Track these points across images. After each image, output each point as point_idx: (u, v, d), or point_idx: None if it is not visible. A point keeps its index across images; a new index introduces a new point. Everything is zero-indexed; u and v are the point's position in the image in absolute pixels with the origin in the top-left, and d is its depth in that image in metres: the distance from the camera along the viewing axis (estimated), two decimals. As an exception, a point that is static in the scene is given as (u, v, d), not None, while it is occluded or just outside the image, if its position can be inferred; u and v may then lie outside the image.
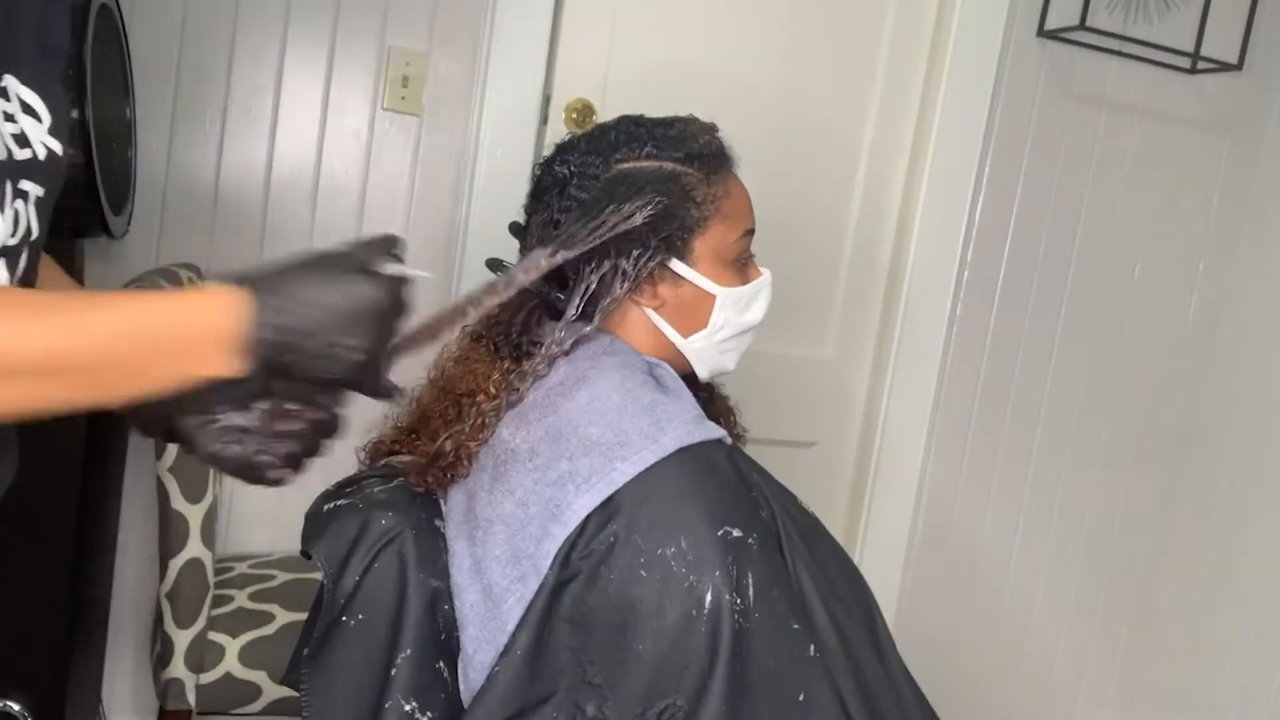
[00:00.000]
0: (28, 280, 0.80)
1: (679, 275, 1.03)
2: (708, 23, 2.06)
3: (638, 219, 0.93)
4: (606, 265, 0.99)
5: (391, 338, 0.72)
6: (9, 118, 0.76)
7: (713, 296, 1.04)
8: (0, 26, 0.75)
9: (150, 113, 1.80)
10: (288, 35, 1.85)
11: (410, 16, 1.89)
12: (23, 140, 0.77)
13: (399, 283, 0.71)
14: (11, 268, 0.78)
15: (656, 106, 1.11)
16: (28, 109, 0.78)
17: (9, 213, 0.76)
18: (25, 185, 0.77)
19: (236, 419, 0.74)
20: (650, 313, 1.04)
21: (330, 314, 0.69)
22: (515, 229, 1.10)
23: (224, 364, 0.67)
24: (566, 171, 1.02)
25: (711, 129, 1.07)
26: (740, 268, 1.07)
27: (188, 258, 1.81)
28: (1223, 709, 2.30)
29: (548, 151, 1.07)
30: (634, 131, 1.03)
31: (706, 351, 1.06)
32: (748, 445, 1.14)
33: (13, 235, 0.77)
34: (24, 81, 0.78)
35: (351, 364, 0.70)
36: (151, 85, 1.79)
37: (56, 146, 0.81)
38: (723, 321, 1.05)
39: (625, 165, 1.01)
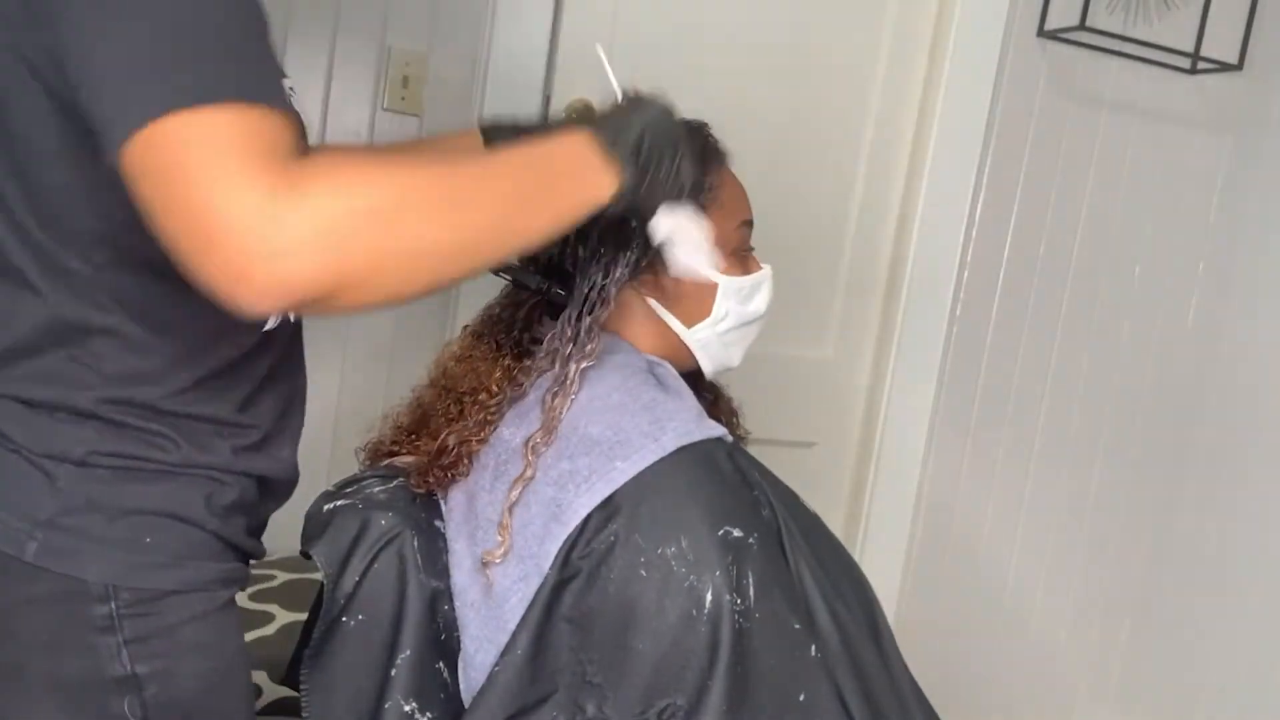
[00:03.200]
0: None
1: None
2: (708, 24, 2.06)
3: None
4: (608, 256, 0.99)
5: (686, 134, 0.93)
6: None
7: (714, 285, 1.04)
8: None
9: (150, 113, 1.80)
10: (288, 35, 1.85)
11: (410, 16, 1.89)
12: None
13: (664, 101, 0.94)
14: None
15: (657, 106, 1.10)
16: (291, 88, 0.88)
17: None
18: None
19: None
20: (653, 303, 1.04)
21: (649, 123, 0.88)
22: None
23: (607, 178, 0.84)
24: None
25: (703, 126, 1.07)
26: (741, 259, 1.07)
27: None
28: (1223, 708, 2.30)
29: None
30: None
31: (711, 343, 1.06)
32: (748, 445, 1.14)
33: None
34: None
35: (685, 150, 0.91)
36: (151, 85, 1.79)
37: None
38: (725, 311, 1.05)
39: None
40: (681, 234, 0.95)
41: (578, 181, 0.83)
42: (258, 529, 0.92)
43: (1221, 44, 2.16)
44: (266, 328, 0.84)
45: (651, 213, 0.92)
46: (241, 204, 0.62)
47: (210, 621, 0.83)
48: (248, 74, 0.68)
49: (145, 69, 0.64)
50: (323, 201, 0.64)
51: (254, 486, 0.87)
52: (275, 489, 0.91)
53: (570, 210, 0.82)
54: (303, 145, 0.70)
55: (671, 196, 0.91)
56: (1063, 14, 2.15)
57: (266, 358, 0.86)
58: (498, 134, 1.08)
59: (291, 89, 0.81)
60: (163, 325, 0.79)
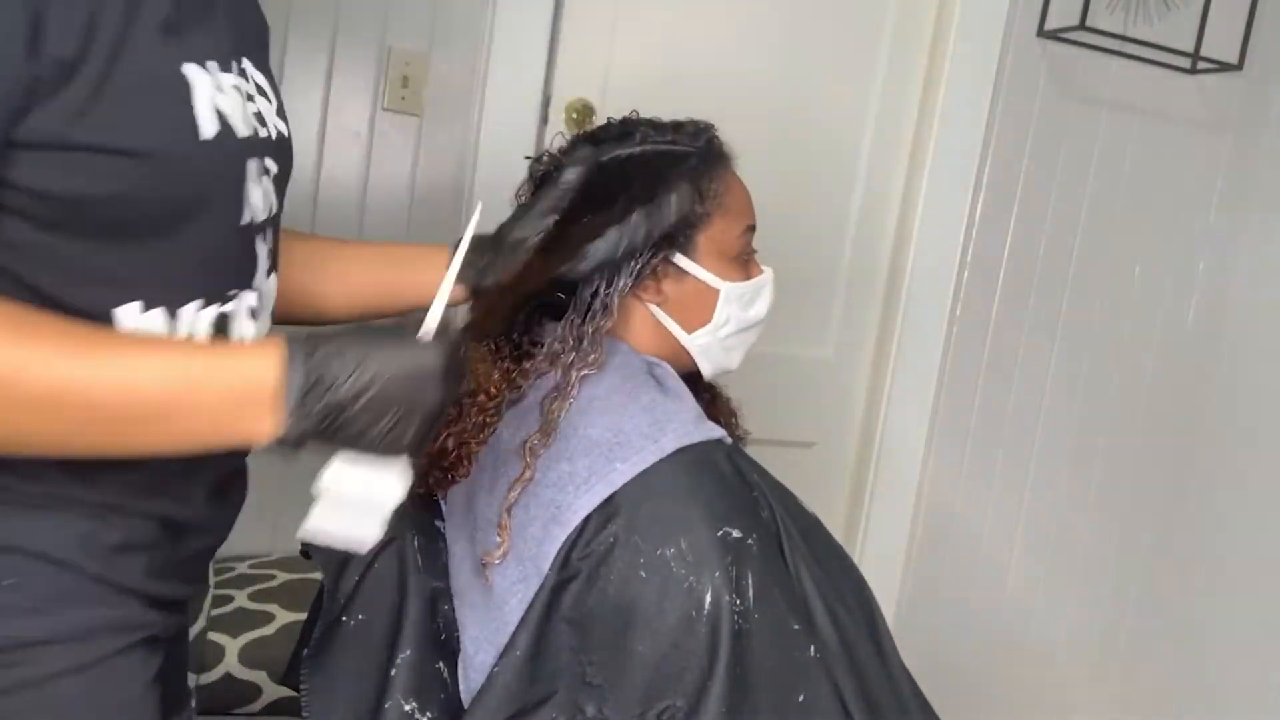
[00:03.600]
0: (276, 253, 0.85)
1: (683, 270, 1.03)
2: (708, 23, 2.06)
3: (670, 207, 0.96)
4: (611, 264, 0.99)
5: (443, 401, 0.71)
6: (250, 97, 0.79)
7: (716, 291, 1.04)
8: (236, 16, 0.81)
9: (150, 113, 1.80)
10: (288, 35, 1.85)
11: (410, 16, 1.89)
12: (261, 119, 0.80)
13: (451, 347, 0.71)
14: (264, 241, 0.82)
15: (657, 106, 1.11)
16: (261, 91, 0.82)
17: (262, 188, 0.80)
18: (269, 163, 0.81)
19: None
20: (654, 309, 1.04)
21: (384, 380, 0.68)
22: None
23: (267, 425, 0.67)
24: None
25: (709, 127, 1.07)
26: (743, 264, 1.07)
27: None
28: (1223, 709, 2.30)
29: (556, 140, 1.07)
30: (632, 132, 1.04)
31: (711, 348, 1.06)
32: (748, 446, 1.14)
33: (264, 211, 0.81)
34: (256, 65, 0.83)
35: (400, 435, 0.70)
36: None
37: (284, 128, 0.86)
38: (727, 317, 1.05)
39: (623, 153, 1.01)
40: (343, 488, 0.75)
41: (223, 422, 0.67)
42: (177, 568, 0.80)
43: (1221, 44, 2.16)
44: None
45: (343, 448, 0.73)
46: None
47: (95, 674, 0.73)
48: None
49: None
50: None
51: (154, 527, 0.77)
52: (188, 530, 0.80)
53: (204, 445, 0.68)
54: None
55: (376, 452, 0.72)
56: (1063, 14, 2.15)
57: None
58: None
59: (252, 99, 0.78)
60: None
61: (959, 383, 2.28)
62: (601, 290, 0.99)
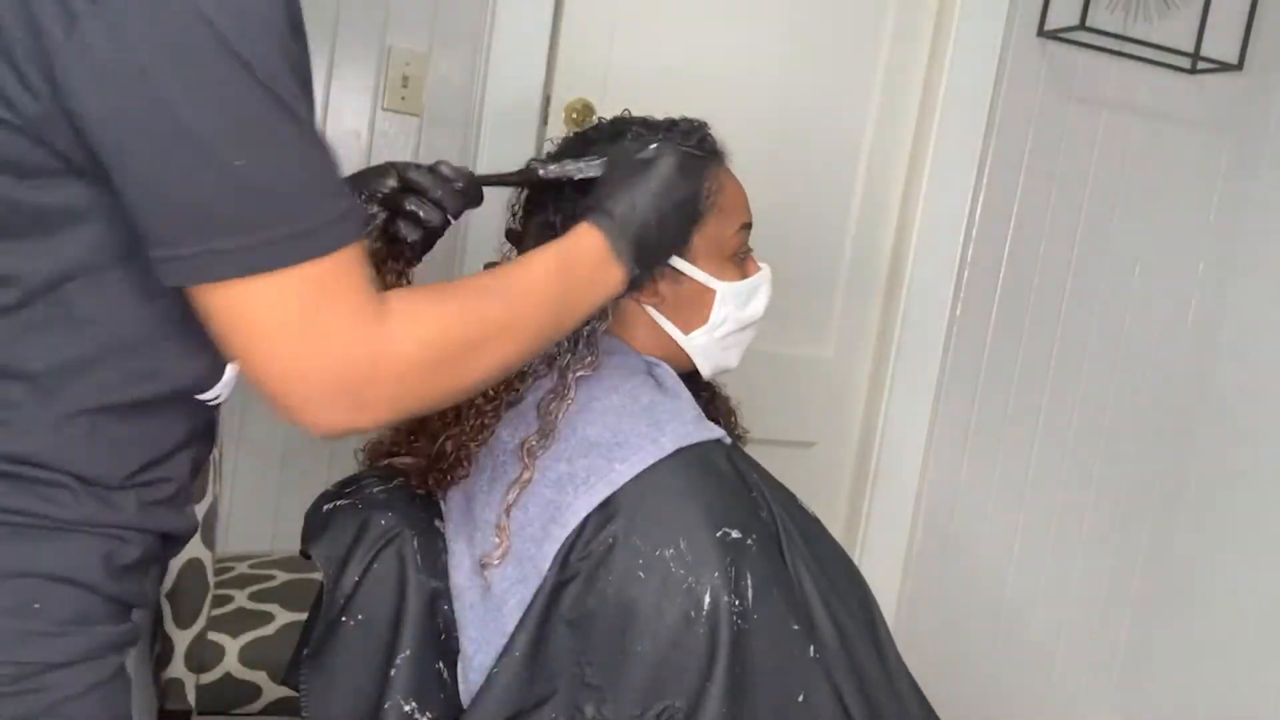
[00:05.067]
0: None
1: (679, 271, 1.03)
2: (708, 23, 2.06)
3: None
4: None
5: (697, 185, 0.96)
6: None
7: (713, 291, 1.04)
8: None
9: (150, 113, 1.80)
10: (288, 35, 1.85)
11: (410, 16, 1.89)
12: None
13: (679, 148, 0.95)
14: None
15: (657, 106, 1.11)
16: None
17: None
18: None
19: None
20: (650, 310, 1.04)
21: (651, 201, 0.91)
22: (512, 235, 1.10)
23: (618, 274, 0.89)
24: None
25: (702, 126, 1.07)
26: (739, 262, 1.07)
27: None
28: (1223, 709, 2.30)
29: (546, 147, 1.07)
30: (623, 130, 1.03)
31: (709, 348, 1.06)
32: (748, 445, 1.14)
33: None
34: None
35: (686, 219, 0.95)
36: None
37: None
38: (723, 317, 1.05)
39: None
40: None
41: (598, 286, 0.88)
42: (157, 579, 0.85)
43: (1221, 44, 2.16)
44: (213, 400, 0.79)
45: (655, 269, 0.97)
46: (343, 353, 0.68)
47: (97, 696, 0.74)
48: (340, 208, 0.69)
49: (226, 220, 0.65)
50: (407, 348, 0.71)
51: (158, 543, 0.79)
52: (175, 545, 0.83)
53: (592, 309, 0.89)
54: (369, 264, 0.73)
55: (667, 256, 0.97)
56: (1063, 14, 2.15)
57: (195, 414, 0.80)
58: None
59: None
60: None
61: (959, 383, 2.27)
62: None
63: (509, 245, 1.09)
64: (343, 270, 0.68)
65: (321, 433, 0.71)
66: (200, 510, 1.58)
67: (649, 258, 0.92)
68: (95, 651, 0.74)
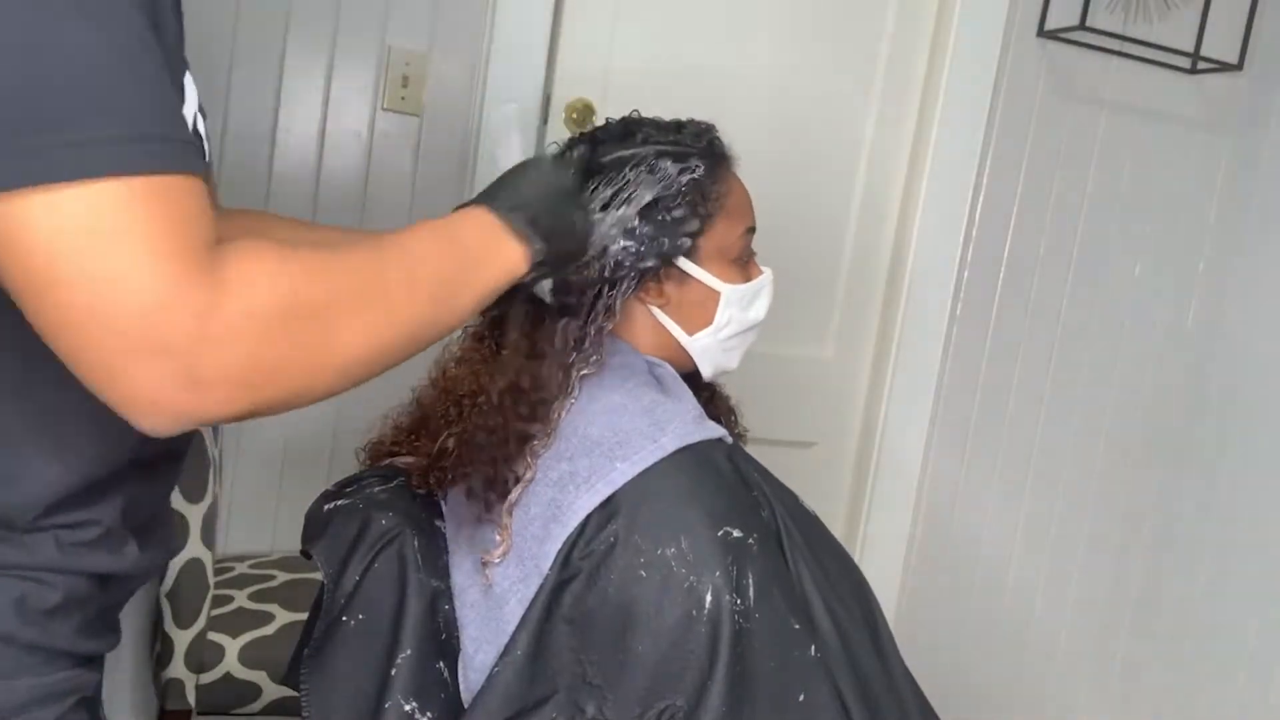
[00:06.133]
0: None
1: (684, 273, 1.03)
2: (708, 22, 2.06)
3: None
4: (613, 263, 0.99)
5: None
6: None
7: (718, 294, 1.04)
8: (179, 25, 0.72)
9: (150, 113, 1.79)
10: (288, 35, 1.85)
11: (410, 16, 1.89)
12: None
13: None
14: None
15: (657, 106, 1.11)
16: (201, 108, 0.75)
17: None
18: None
19: None
20: (655, 310, 1.04)
21: (538, 182, 0.85)
22: None
23: (517, 251, 0.80)
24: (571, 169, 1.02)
25: (710, 128, 1.07)
26: (743, 266, 1.07)
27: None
28: (1224, 709, 2.30)
29: (550, 149, 1.07)
30: (634, 131, 1.04)
31: (711, 349, 1.06)
32: (748, 445, 1.14)
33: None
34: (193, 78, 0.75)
35: (575, 199, 0.88)
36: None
37: (202, 126, 0.76)
38: (727, 319, 1.05)
39: (620, 154, 1.01)
40: None
41: (492, 263, 0.79)
42: (104, 621, 0.77)
43: (1221, 44, 2.16)
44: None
45: (570, 266, 0.91)
46: (149, 302, 0.54)
47: None
48: (149, 131, 0.56)
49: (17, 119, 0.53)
50: (242, 303, 0.57)
51: (86, 583, 0.72)
52: (120, 585, 0.77)
53: (489, 292, 0.78)
54: (211, 202, 0.61)
55: (583, 248, 0.90)
56: (1063, 14, 2.15)
57: (117, 455, 0.72)
58: None
59: (199, 113, 0.70)
60: None
61: (959, 383, 2.28)
62: (604, 292, 0.99)
63: None
64: (159, 200, 0.55)
65: (155, 422, 0.58)
66: (200, 510, 1.58)
67: (555, 237, 0.83)
68: (12, 708, 0.67)
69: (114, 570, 0.73)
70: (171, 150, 0.57)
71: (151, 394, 0.56)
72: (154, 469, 0.77)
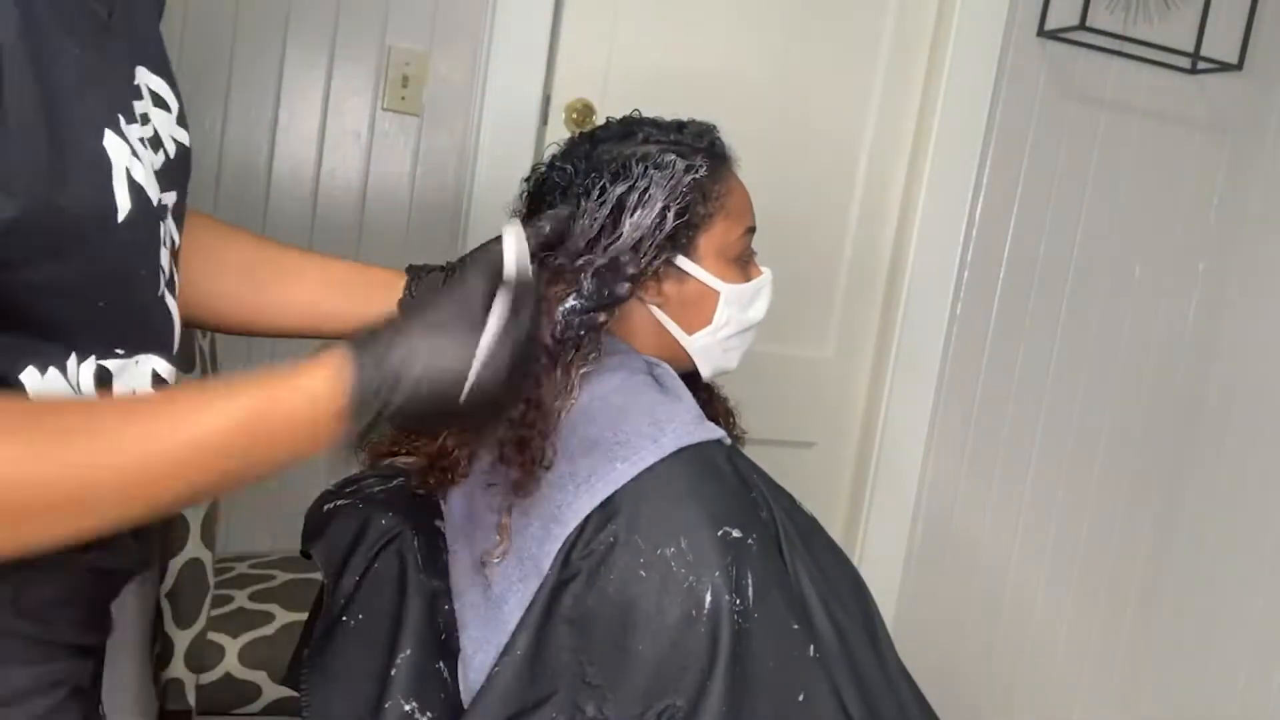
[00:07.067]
0: (173, 284, 0.76)
1: (684, 272, 1.03)
2: (708, 23, 2.06)
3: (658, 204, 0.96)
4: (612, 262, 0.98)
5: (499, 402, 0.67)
6: (143, 119, 0.70)
7: (717, 293, 1.04)
8: (129, 22, 0.69)
9: (150, 113, 1.80)
10: (288, 35, 1.85)
11: (410, 16, 1.89)
12: (155, 142, 0.70)
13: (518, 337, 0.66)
14: (174, 297, 0.75)
15: (657, 106, 1.11)
16: (158, 100, 0.72)
17: (169, 248, 0.72)
18: (165, 198, 0.71)
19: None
20: (654, 309, 1.04)
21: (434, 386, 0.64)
22: None
23: (330, 434, 0.64)
24: (571, 168, 1.02)
25: (711, 128, 1.07)
26: (742, 266, 1.07)
27: (188, 258, 1.81)
28: (1224, 709, 2.30)
29: (550, 149, 1.07)
30: (635, 131, 1.04)
31: (710, 349, 1.06)
32: (747, 445, 1.14)
33: (170, 266, 0.73)
34: (154, 70, 0.72)
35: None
36: (151, 85, 1.79)
37: (184, 137, 0.76)
38: (726, 319, 1.05)
39: (622, 152, 1.01)
40: None
41: (303, 444, 0.64)
42: (101, 614, 0.77)
43: (1221, 44, 2.17)
44: None
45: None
46: None
47: None
48: None
49: None
50: None
51: (84, 577, 0.73)
52: (115, 575, 0.77)
53: (264, 473, 0.65)
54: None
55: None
56: (1063, 14, 2.15)
57: None
58: (420, 279, 0.95)
59: (138, 143, 0.66)
60: None
61: (959, 383, 2.28)
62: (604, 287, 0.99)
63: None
64: None
65: None
66: (200, 510, 1.58)
67: (408, 420, 0.67)
68: (13, 696, 0.67)
69: (108, 564, 0.73)
70: None
71: None
72: None
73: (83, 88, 0.61)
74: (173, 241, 0.75)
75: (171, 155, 0.73)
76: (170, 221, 0.73)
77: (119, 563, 0.74)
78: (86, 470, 0.56)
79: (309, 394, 0.63)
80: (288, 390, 0.62)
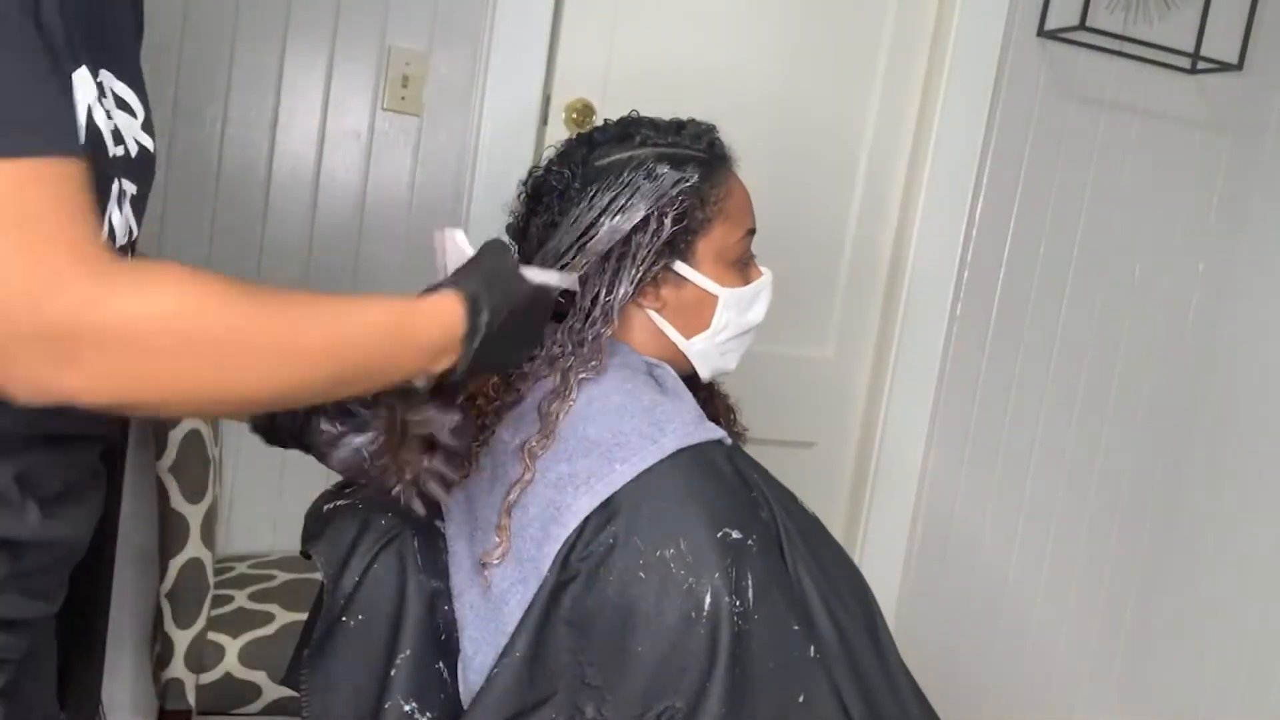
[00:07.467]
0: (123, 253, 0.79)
1: (682, 276, 1.03)
2: (708, 23, 2.06)
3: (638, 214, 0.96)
4: (612, 267, 0.99)
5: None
6: (108, 114, 0.74)
7: (715, 297, 1.04)
8: (94, 19, 0.73)
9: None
10: (288, 35, 1.85)
11: (410, 16, 1.89)
12: (118, 137, 0.75)
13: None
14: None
15: (657, 107, 1.11)
16: (122, 104, 0.76)
17: (123, 212, 0.74)
18: (125, 184, 0.76)
19: (357, 440, 0.86)
20: (652, 314, 1.04)
21: (518, 322, 0.82)
22: (513, 232, 1.10)
23: (453, 356, 0.78)
24: (568, 172, 1.02)
25: (711, 129, 1.07)
26: (742, 268, 1.07)
27: (187, 258, 1.81)
28: (1223, 709, 2.30)
29: (548, 152, 1.07)
30: (632, 133, 1.03)
31: (708, 352, 1.06)
32: (748, 445, 1.14)
33: (126, 235, 0.76)
34: (119, 75, 0.76)
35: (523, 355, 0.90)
36: (151, 85, 1.78)
37: (148, 143, 0.79)
38: (725, 322, 1.05)
39: (618, 157, 1.01)
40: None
41: (425, 355, 0.77)
42: (19, 585, 0.76)
43: (1221, 44, 2.16)
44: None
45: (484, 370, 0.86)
46: (30, 289, 0.57)
47: None
48: (12, 115, 0.58)
49: None
50: (123, 306, 0.59)
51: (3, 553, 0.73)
52: (25, 547, 0.75)
53: (400, 378, 0.78)
54: (93, 199, 0.62)
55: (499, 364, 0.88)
56: (1063, 14, 2.15)
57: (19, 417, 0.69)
58: None
59: (104, 105, 0.71)
60: None
61: (959, 383, 2.28)
62: (602, 296, 0.99)
63: (509, 242, 1.09)
64: (37, 185, 0.58)
65: (26, 397, 0.60)
66: (200, 510, 1.58)
67: (481, 363, 0.80)
68: None
69: (13, 535, 0.74)
70: (58, 131, 0.60)
71: (24, 373, 0.59)
72: (65, 444, 0.77)
73: (70, 25, 0.66)
74: (131, 230, 0.78)
75: (134, 155, 0.77)
76: (127, 205, 0.76)
77: (19, 533, 0.74)
78: (291, 328, 0.68)
79: (435, 315, 0.78)
80: (422, 310, 0.77)
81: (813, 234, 2.19)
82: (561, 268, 0.97)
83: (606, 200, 0.97)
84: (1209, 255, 2.40)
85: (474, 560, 0.96)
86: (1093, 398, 2.38)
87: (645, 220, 0.98)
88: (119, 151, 0.74)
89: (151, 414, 0.64)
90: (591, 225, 0.98)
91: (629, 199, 0.97)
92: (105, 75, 0.74)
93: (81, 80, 0.68)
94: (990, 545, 2.37)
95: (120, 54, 0.77)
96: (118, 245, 0.74)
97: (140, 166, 0.78)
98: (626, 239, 0.98)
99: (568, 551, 0.90)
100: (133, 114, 0.77)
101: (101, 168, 0.70)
